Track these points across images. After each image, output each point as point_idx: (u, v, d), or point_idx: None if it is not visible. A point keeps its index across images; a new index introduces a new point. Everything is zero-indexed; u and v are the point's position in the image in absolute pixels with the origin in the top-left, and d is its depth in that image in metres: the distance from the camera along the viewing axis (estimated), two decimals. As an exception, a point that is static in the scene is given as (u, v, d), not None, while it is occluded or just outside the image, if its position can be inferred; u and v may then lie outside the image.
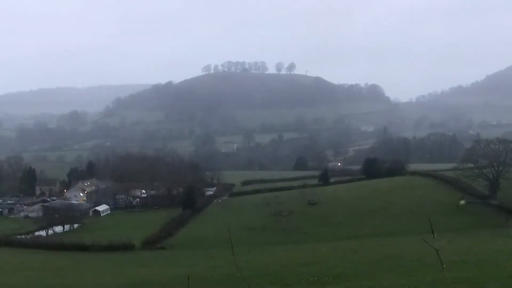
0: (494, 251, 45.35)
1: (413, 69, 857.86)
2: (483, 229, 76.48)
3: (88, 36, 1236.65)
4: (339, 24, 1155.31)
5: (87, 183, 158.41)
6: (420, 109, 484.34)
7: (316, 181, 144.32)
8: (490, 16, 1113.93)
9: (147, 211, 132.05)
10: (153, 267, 60.29)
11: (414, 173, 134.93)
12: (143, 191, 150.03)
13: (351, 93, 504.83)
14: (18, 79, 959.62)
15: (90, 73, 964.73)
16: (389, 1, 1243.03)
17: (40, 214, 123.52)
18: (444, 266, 6.60)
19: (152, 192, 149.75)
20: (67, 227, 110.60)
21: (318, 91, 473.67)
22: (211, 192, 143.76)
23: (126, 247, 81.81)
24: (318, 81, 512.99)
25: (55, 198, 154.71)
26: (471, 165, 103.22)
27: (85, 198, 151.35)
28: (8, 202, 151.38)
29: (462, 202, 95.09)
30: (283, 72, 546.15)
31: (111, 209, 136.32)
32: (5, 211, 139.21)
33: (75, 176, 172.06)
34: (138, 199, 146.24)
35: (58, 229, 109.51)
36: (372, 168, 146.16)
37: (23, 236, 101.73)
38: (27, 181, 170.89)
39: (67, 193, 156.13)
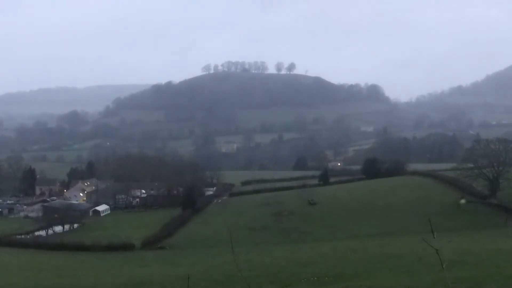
0: (494, 251, 45.40)
1: (413, 69, 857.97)
2: (483, 229, 76.61)
3: (88, 36, 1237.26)
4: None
5: (87, 183, 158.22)
6: (420, 109, 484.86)
7: (316, 181, 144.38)
8: (490, 16, 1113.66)
9: (147, 211, 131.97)
10: (153, 267, 60.33)
11: (414, 173, 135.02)
12: (143, 191, 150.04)
13: (351, 93, 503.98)
14: (18, 79, 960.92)
15: (90, 73, 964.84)
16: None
17: (40, 214, 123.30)
18: (444, 266, 6.61)
19: (152, 192, 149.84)
20: (67, 227, 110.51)
21: (318, 91, 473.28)
22: (211, 192, 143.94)
23: (126, 247, 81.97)
24: (318, 81, 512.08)
25: (55, 198, 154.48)
26: (471, 165, 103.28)
27: (85, 198, 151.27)
28: (8, 202, 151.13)
29: (462, 201, 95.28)
30: (283, 72, 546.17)
31: (111, 209, 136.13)
32: (5, 211, 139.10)
33: (75, 176, 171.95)
34: (138, 199, 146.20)
35: (58, 229, 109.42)
36: (372, 168, 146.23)
37: (23, 236, 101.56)
38: (27, 181, 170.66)
39: (67, 193, 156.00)
